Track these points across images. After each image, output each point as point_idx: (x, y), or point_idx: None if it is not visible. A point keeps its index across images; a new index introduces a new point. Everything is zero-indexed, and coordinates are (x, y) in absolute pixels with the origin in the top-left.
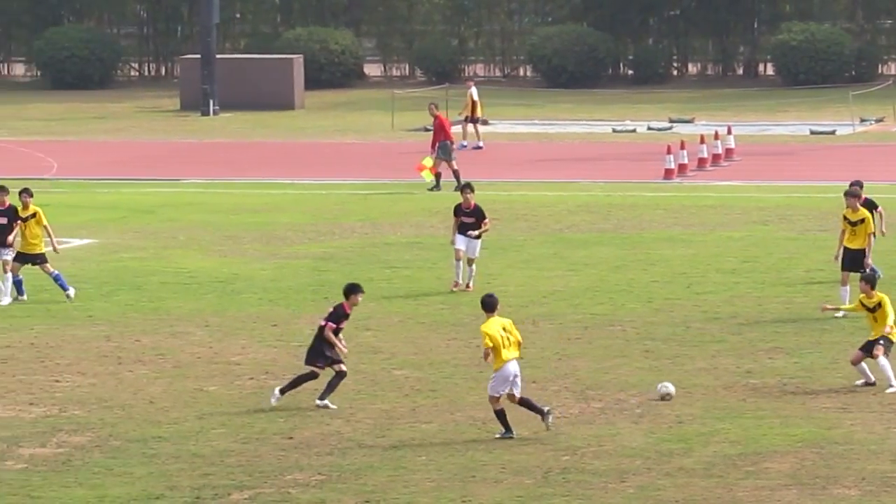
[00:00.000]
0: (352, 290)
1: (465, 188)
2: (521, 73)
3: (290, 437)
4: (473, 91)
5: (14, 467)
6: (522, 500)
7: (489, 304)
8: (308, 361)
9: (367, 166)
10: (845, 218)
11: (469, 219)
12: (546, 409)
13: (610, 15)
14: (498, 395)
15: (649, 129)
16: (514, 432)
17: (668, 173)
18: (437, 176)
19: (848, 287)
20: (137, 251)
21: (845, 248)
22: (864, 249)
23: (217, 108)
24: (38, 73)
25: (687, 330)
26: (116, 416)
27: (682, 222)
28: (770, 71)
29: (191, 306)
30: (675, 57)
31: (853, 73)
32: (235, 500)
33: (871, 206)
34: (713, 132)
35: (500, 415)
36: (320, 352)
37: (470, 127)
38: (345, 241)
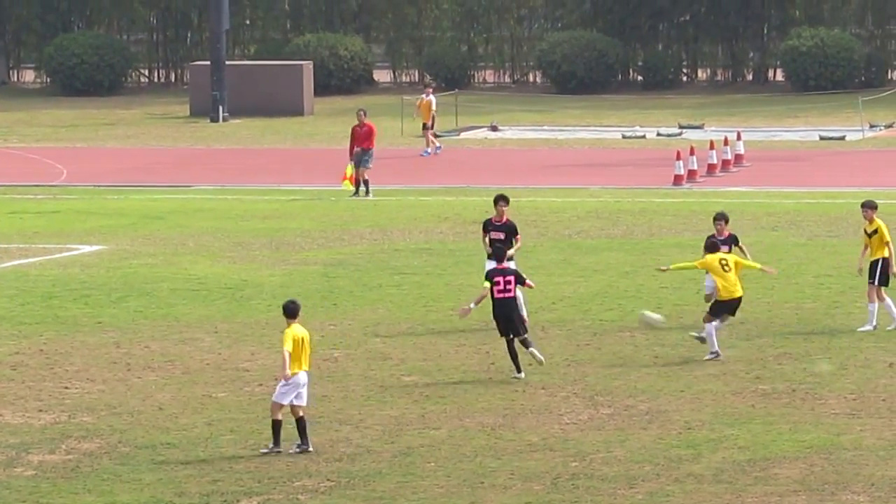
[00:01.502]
0: (499, 253)
1: (499, 199)
2: (531, 78)
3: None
4: (433, 99)
5: (23, 474)
6: None
7: (291, 311)
8: (515, 334)
9: (376, 172)
10: (865, 231)
11: (498, 234)
12: (298, 443)
13: (620, 20)
14: (283, 404)
15: (659, 134)
16: (282, 447)
17: (678, 179)
18: (358, 183)
19: (877, 303)
20: (147, 258)
21: (871, 262)
22: (886, 259)
23: (227, 114)
24: (48, 80)
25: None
26: (125, 423)
27: (691, 228)
28: (780, 76)
29: (200, 313)
30: (684, 62)
31: (863, 78)
32: None
33: (734, 241)
34: (723, 138)
35: (277, 426)
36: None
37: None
38: (354, 247)
